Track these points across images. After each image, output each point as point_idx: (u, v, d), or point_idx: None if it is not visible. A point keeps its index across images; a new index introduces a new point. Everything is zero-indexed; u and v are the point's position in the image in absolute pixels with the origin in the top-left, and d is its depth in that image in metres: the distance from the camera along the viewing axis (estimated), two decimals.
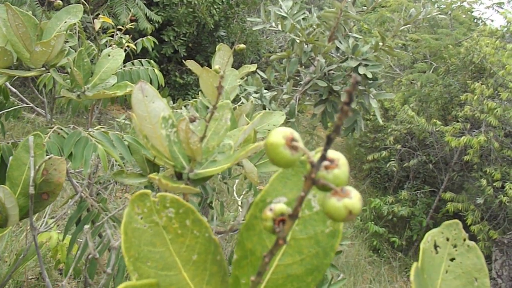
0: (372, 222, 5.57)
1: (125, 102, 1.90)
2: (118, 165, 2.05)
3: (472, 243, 0.49)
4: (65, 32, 1.08)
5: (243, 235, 0.40)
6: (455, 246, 0.49)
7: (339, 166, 0.26)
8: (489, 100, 5.00)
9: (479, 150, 5.02)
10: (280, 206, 0.30)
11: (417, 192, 5.96)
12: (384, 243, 5.50)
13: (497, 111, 4.85)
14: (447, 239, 0.49)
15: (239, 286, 0.40)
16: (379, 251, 5.39)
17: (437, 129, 5.47)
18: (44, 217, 2.07)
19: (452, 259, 0.48)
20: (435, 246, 0.49)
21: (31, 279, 2.57)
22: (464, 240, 0.49)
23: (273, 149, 0.26)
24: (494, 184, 4.81)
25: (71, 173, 1.42)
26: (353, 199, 0.25)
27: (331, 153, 0.27)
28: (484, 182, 4.88)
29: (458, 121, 5.47)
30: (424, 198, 5.89)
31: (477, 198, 5.05)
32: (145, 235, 0.40)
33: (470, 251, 0.48)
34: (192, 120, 0.52)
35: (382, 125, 6.29)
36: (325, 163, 0.26)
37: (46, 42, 1.03)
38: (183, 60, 1.27)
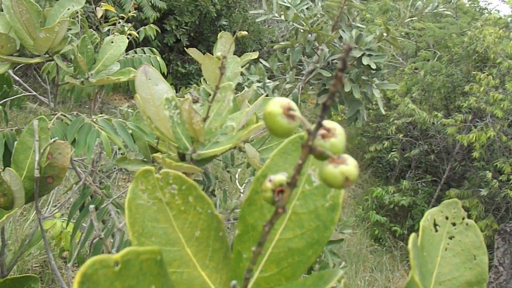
0: (374, 212, 5.59)
1: (127, 92, 1.91)
2: (121, 153, 2.06)
3: (471, 221, 0.50)
4: (68, 19, 1.09)
5: (244, 210, 0.41)
6: (454, 225, 0.50)
7: (336, 135, 0.27)
8: (494, 91, 4.96)
9: (486, 143, 5.00)
10: (279, 177, 0.31)
11: (419, 182, 5.96)
12: (386, 232, 5.52)
13: (503, 105, 4.80)
14: (446, 218, 0.50)
15: (241, 261, 0.41)
16: (381, 240, 5.41)
17: (438, 122, 5.45)
18: (48, 205, 2.08)
19: (451, 237, 0.49)
20: (435, 225, 0.50)
21: (36, 267, 2.60)
22: (463, 218, 0.50)
23: (271, 118, 0.27)
24: (500, 178, 4.77)
25: (74, 161, 1.43)
26: (350, 165, 0.26)
27: (328, 123, 0.28)
28: (489, 175, 4.84)
29: (460, 112, 5.45)
30: (426, 188, 5.90)
31: (480, 190, 5.03)
32: (149, 211, 0.40)
33: (469, 230, 0.49)
34: (195, 101, 0.53)
35: (384, 114, 6.28)
36: (322, 132, 0.27)
37: (50, 28, 1.04)
38: (185, 49, 1.27)
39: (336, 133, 0.28)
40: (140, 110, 0.56)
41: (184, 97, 1.49)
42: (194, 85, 1.10)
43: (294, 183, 0.28)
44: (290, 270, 0.39)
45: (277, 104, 0.27)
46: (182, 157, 0.59)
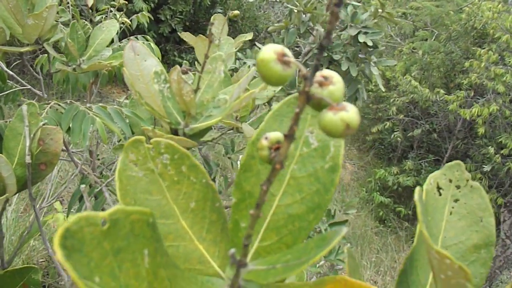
0: (378, 193, 5.58)
1: (125, 84, 1.88)
2: (119, 141, 2.04)
3: (476, 183, 0.48)
4: (56, 4, 1.06)
5: (240, 176, 0.39)
6: (458, 187, 0.48)
7: (334, 83, 0.25)
8: (495, 66, 4.91)
9: (487, 118, 4.96)
10: (275, 134, 0.29)
11: (422, 162, 5.94)
12: (390, 213, 5.51)
13: (506, 78, 4.75)
14: (450, 181, 0.48)
15: (239, 230, 0.39)
16: (385, 221, 5.41)
17: (441, 98, 5.41)
18: (47, 197, 2.07)
19: (456, 200, 0.47)
20: (438, 188, 0.48)
21: (41, 261, 2.60)
22: (467, 180, 0.48)
23: (264, 65, 0.25)
24: (502, 152, 4.76)
25: (72, 152, 1.41)
26: (350, 112, 0.24)
27: (325, 71, 0.26)
28: (491, 150, 4.82)
29: (461, 89, 5.41)
30: (429, 167, 5.87)
31: (483, 166, 5.02)
32: (141, 182, 0.39)
33: (474, 192, 0.47)
34: (184, 72, 0.51)
35: (384, 95, 6.24)
36: (319, 79, 0.25)
37: (38, 14, 1.01)
38: (179, 35, 1.25)
39: (334, 81, 0.26)
40: (128, 85, 0.54)
41: None
42: (185, 61, 1.08)
43: (291, 134, 0.26)
44: (291, 238, 0.37)
45: (270, 50, 0.25)
46: (174, 133, 0.57)
